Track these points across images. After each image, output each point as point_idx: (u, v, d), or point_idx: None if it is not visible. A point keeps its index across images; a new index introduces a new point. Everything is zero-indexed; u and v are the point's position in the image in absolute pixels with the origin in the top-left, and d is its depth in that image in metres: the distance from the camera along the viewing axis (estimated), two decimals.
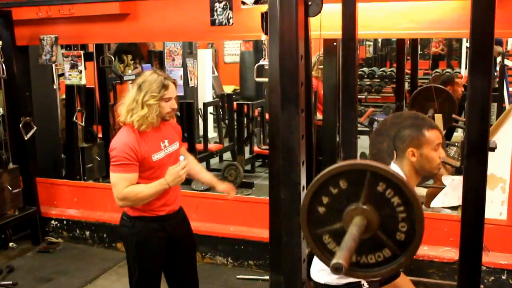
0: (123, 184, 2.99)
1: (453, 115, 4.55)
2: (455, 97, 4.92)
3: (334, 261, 1.53)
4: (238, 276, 4.74)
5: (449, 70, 13.15)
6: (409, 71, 7.04)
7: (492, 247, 4.15)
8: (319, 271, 2.75)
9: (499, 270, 4.13)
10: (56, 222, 5.69)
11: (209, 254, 4.93)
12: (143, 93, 3.03)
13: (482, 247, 1.91)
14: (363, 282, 2.70)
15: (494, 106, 7.31)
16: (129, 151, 3.00)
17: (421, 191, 4.57)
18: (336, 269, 1.52)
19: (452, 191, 4.87)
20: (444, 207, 4.80)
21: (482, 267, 4.01)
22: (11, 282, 4.66)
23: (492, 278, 4.14)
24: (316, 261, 2.79)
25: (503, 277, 4.13)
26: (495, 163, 4.07)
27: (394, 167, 2.77)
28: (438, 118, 3.67)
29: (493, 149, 1.86)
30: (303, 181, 2.11)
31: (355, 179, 1.75)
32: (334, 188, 1.78)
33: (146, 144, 3.08)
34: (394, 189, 1.73)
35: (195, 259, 3.51)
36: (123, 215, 3.25)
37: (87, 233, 5.55)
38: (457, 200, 4.67)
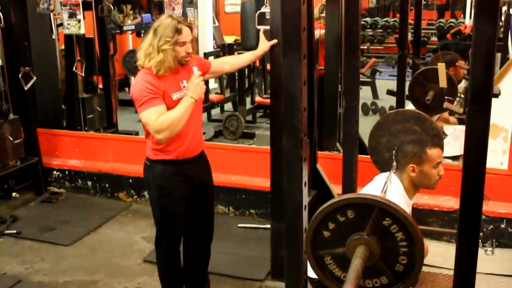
0: (154, 117, 2.97)
1: (457, 63, 4.51)
2: (457, 79, 4.90)
3: None
4: (239, 225, 4.79)
5: (453, 20, 12.99)
6: (412, 21, 6.94)
7: (492, 196, 4.17)
8: None
9: (498, 219, 4.17)
10: (58, 173, 5.71)
11: None
12: (157, 38, 3.01)
13: (483, 194, 1.91)
14: None
15: (498, 57, 7.24)
16: (149, 86, 2.99)
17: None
18: None
19: (454, 141, 4.90)
20: (445, 157, 4.81)
21: (482, 215, 4.05)
22: (15, 231, 4.72)
23: (491, 226, 4.18)
24: None
25: (502, 226, 4.17)
26: (498, 113, 4.04)
27: (394, 179, 2.86)
28: (441, 67, 3.62)
29: (496, 95, 1.85)
30: (305, 128, 2.10)
31: (363, 211, 1.84)
32: (341, 217, 1.87)
33: (165, 84, 3.05)
34: (400, 225, 1.82)
35: (212, 206, 3.55)
36: (146, 160, 3.27)
37: (89, 183, 5.58)
38: (459, 150, 4.69)
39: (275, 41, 3.48)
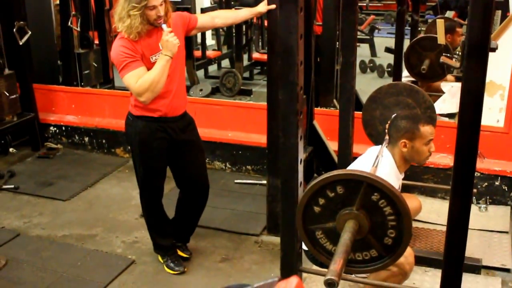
0: (134, 80, 3.02)
1: (456, 19, 4.47)
2: (453, 46, 4.86)
3: (327, 277, 1.67)
4: (236, 181, 4.82)
5: None
6: None
7: (487, 154, 4.19)
8: None
9: (492, 176, 4.19)
10: (55, 128, 5.71)
11: (207, 159, 4.97)
12: (127, 2, 3.01)
13: (477, 150, 1.92)
14: None
15: (498, 14, 7.16)
16: (125, 50, 3.02)
17: None
18: (329, 284, 1.66)
19: (450, 98, 4.90)
20: (441, 115, 4.82)
21: (476, 173, 4.08)
22: (12, 186, 4.74)
23: (486, 184, 4.21)
24: None
25: (496, 183, 4.20)
26: (495, 70, 4.03)
27: (386, 153, 2.90)
28: (440, 23, 3.58)
29: (494, 50, 1.83)
30: (301, 82, 2.09)
31: (352, 187, 1.90)
32: (331, 192, 1.93)
33: (142, 47, 3.06)
34: (388, 200, 1.88)
35: (203, 163, 3.57)
36: (128, 115, 3.31)
37: (86, 139, 5.58)
38: (455, 107, 4.69)
39: (273, 6, 3.45)
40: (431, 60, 4.51)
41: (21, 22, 5.25)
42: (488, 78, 1.82)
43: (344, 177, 1.89)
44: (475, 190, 4.18)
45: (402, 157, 2.92)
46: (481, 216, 4.08)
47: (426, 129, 2.85)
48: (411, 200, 3.29)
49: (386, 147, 2.94)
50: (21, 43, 5.25)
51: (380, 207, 1.89)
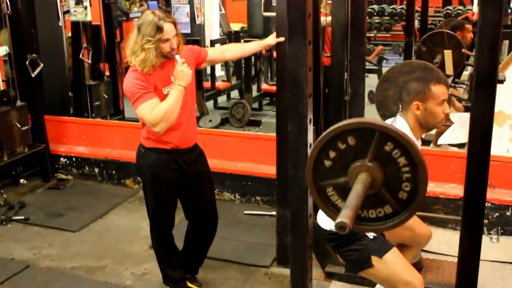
0: (148, 111, 3.03)
1: (463, 50, 4.48)
2: (464, 43, 4.86)
3: (338, 220, 1.57)
4: (245, 212, 4.80)
5: (460, 7, 12.89)
6: (419, 9, 6.91)
7: (498, 184, 4.16)
8: (324, 218, 2.77)
9: (504, 206, 4.16)
10: (65, 159, 5.74)
11: (217, 190, 4.97)
12: (141, 36, 3.05)
13: (488, 181, 1.92)
14: None
15: (505, 43, 7.19)
16: (139, 82, 3.05)
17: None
18: (340, 228, 1.56)
19: (460, 128, 4.87)
20: (451, 144, 4.80)
21: (487, 203, 4.05)
22: (23, 217, 4.76)
23: (497, 214, 4.18)
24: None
25: (508, 213, 4.16)
26: (504, 100, 4.05)
27: (399, 119, 2.80)
28: (448, 55, 3.62)
29: (501, 81, 1.84)
30: (310, 114, 2.11)
31: (364, 137, 1.78)
32: (342, 144, 1.81)
33: (155, 79, 3.10)
34: (402, 150, 1.76)
35: (212, 195, 3.57)
36: (140, 146, 3.34)
37: (96, 170, 5.61)
38: (465, 137, 4.66)
39: (282, 38, 3.49)
40: (443, 55, 4.44)
41: (34, 55, 5.33)
42: (497, 108, 1.82)
43: (356, 126, 1.78)
44: (486, 221, 4.18)
45: (416, 121, 2.77)
46: (493, 247, 4.04)
47: (437, 88, 2.72)
48: (422, 227, 3.25)
49: (399, 114, 2.83)
50: (33, 75, 5.32)
51: (394, 158, 1.78)
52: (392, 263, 2.69)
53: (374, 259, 2.68)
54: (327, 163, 1.84)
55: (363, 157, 1.78)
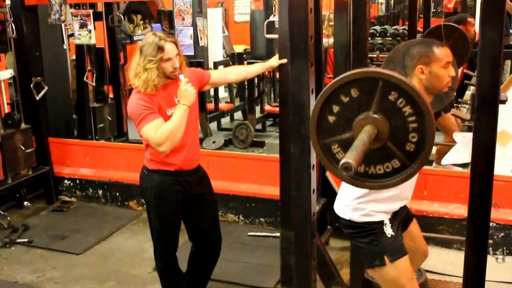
0: (153, 131, 3.04)
1: (465, 70, 4.48)
2: (468, 37, 4.78)
3: (343, 160, 1.52)
4: (249, 233, 4.79)
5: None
6: (421, 29, 6.95)
7: (503, 204, 4.15)
8: (344, 207, 2.73)
9: (509, 226, 4.14)
10: (69, 182, 5.75)
11: (220, 211, 4.97)
12: (143, 57, 3.08)
13: (491, 200, 1.91)
14: (386, 221, 2.68)
15: (507, 63, 7.22)
16: (143, 103, 3.06)
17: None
18: (345, 168, 1.51)
19: (463, 148, 4.86)
20: (455, 164, 4.80)
21: (492, 223, 4.03)
22: (26, 239, 4.75)
23: (502, 234, 4.16)
24: (341, 197, 2.78)
25: None
26: (507, 120, 4.04)
27: None
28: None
29: (503, 102, 1.84)
30: None
31: (367, 88, 1.73)
32: (345, 97, 1.75)
33: (159, 100, 3.12)
34: (406, 99, 1.71)
35: (215, 216, 3.57)
36: (143, 168, 3.34)
37: (100, 192, 5.61)
38: (468, 157, 4.65)
39: (284, 60, 3.51)
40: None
41: (38, 78, 5.37)
42: (500, 128, 1.83)
43: (359, 75, 1.72)
44: (491, 241, 4.16)
45: (422, 86, 2.70)
46: (499, 268, 4.02)
47: (440, 50, 2.66)
48: (421, 242, 3.21)
49: None
50: (37, 98, 5.36)
51: (399, 108, 1.71)
52: (401, 271, 2.65)
53: (387, 260, 2.64)
54: (331, 118, 1.78)
55: (368, 109, 1.73)
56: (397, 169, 1.79)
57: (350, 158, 1.53)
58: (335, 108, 1.76)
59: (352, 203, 2.68)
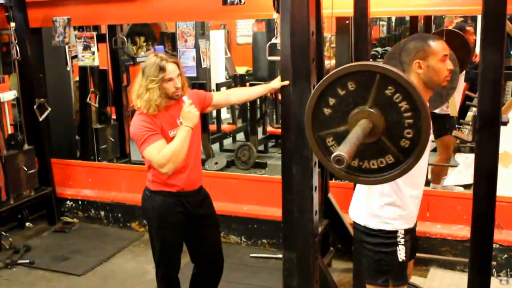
0: (155, 152, 3.04)
1: (467, 92, 4.49)
2: (469, 43, 4.76)
3: (336, 153, 1.52)
4: (251, 255, 4.77)
5: None
6: None
7: (505, 225, 4.14)
8: (359, 213, 2.71)
9: None
10: (72, 203, 5.75)
11: (223, 233, 4.95)
12: (145, 78, 3.11)
13: (495, 222, 1.91)
14: (400, 231, 2.64)
15: (509, 84, 7.24)
16: (146, 124, 3.08)
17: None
18: (337, 161, 1.51)
19: (465, 169, 4.89)
20: (457, 185, 4.80)
21: (495, 244, 4.01)
22: (28, 260, 4.74)
23: (505, 256, 4.14)
24: (356, 203, 2.75)
25: None
26: (509, 141, 4.04)
27: None
28: (451, 100, 3.64)
29: (505, 123, 1.86)
30: (315, 157, 2.12)
31: (364, 81, 1.72)
32: (342, 90, 1.75)
33: (161, 121, 3.13)
34: (403, 94, 1.70)
35: (217, 238, 3.56)
36: (145, 190, 3.34)
37: (102, 213, 5.61)
38: (471, 178, 4.67)
39: (287, 82, 3.53)
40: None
41: (42, 99, 5.41)
42: (502, 149, 1.84)
43: (356, 68, 1.72)
44: (494, 263, 4.13)
45: (420, 81, 2.65)
46: None
47: (436, 43, 2.62)
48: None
49: None
50: (40, 119, 5.38)
51: (395, 103, 1.71)
52: None
53: (390, 283, 2.60)
54: (327, 111, 1.78)
55: (364, 103, 1.73)
56: (390, 165, 1.78)
57: (342, 151, 1.53)
58: (331, 101, 1.77)
59: (368, 207, 2.65)
